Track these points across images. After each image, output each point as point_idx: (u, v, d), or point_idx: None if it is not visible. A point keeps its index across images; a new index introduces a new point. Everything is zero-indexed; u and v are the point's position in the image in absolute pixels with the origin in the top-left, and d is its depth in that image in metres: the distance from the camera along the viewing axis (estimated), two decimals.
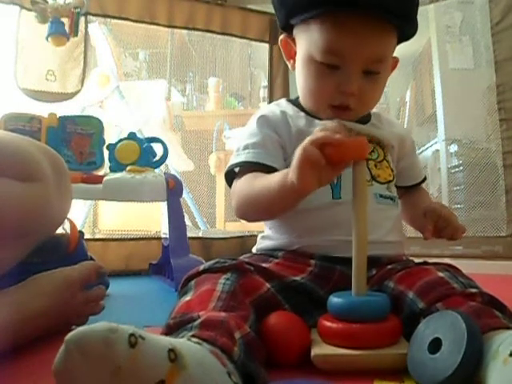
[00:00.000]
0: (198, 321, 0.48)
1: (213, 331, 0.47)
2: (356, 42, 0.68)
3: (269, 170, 0.71)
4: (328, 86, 0.72)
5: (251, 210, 0.72)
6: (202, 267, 0.63)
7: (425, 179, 0.90)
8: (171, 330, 0.50)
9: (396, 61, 0.80)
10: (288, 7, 0.74)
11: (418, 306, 0.58)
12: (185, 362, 0.39)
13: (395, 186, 0.81)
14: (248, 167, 0.73)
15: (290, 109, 0.80)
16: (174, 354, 0.38)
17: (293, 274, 0.67)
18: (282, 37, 0.80)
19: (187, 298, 0.57)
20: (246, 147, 0.75)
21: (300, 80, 0.77)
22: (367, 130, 0.78)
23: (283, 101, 0.83)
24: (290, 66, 0.80)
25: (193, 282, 0.61)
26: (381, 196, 0.75)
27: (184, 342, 0.43)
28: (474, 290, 0.57)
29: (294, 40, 0.77)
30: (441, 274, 0.61)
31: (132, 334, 0.37)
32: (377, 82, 0.73)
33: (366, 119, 0.81)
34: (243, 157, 0.74)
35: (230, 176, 0.77)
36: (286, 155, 0.75)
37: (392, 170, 0.79)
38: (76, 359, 0.35)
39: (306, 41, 0.73)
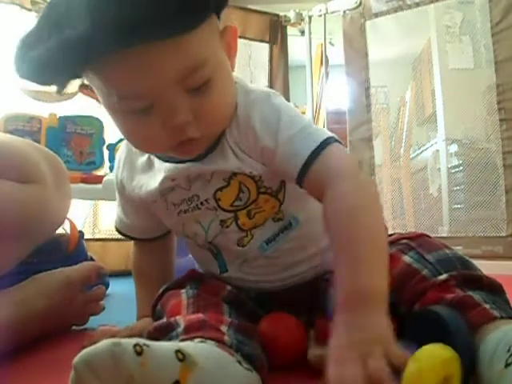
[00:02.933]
0: (181, 327, 0.49)
1: (198, 331, 0.47)
2: (147, 71, 0.48)
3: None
4: (154, 131, 0.52)
5: None
6: (161, 290, 0.63)
7: (313, 155, 0.54)
8: (152, 336, 0.50)
9: (232, 29, 0.59)
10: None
11: (399, 308, 0.55)
12: (194, 359, 0.39)
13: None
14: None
15: (135, 158, 0.66)
16: (181, 354, 0.39)
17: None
18: (78, 86, 0.58)
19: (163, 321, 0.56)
20: (118, 207, 0.74)
21: (120, 131, 0.57)
22: (216, 167, 0.58)
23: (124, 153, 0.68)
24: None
25: (159, 306, 0.61)
26: (268, 242, 0.63)
27: (188, 343, 0.43)
28: (444, 277, 0.53)
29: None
30: (407, 260, 0.57)
31: (136, 344, 0.37)
32: (212, 91, 0.52)
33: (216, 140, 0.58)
34: (116, 221, 0.75)
35: None
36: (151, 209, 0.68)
37: (276, 196, 0.61)
38: (89, 379, 0.35)
39: (98, 90, 0.53)
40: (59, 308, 0.78)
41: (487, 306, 0.48)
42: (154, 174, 0.62)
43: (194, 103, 0.51)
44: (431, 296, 0.52)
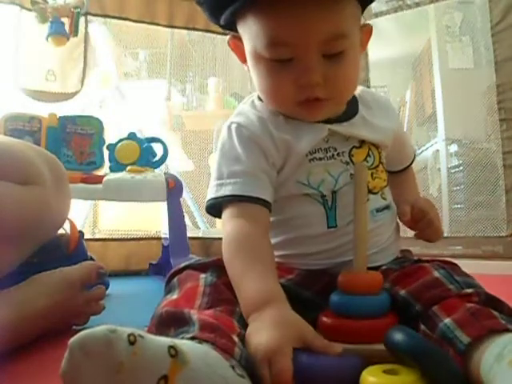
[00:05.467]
0: (196, 325, 0.48)
1: (211, 333, 0.47)
2: (301, 25, 0.58)
3: (258, 201, 0.63)
4: (285, 83, 0.61)
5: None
6: (183, 264, 0.63)
7: (414, 158, 0.84)
8: (163, 321, 0.50)
9: (369, 29, 0.68)
10: (209, 4, 0.64)
11: (414, 307, 0.57)
12: (186, 357, 0.39)
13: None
14: (236, 200, 0.64)
15: (267, 112, 0.68)
16: (174, 350, 0.39)
17: (278, 275, 0.62)
18: (228, 37, 0.69)
19: (174, 296, 0.57)
20: (233, 175, 0.64)
21: (255, 82, 0.66)
22: (360, 133, 0.69)
23: (256, 100, 0.71)
24: (246, 69, 0.68)
25: (176, 280, 0.61)
26: (377, 211, 0.70)
27: (185, 341, 0.44)
28: (470, 290, 0.55)
29: (241, 39, 0.66)
30: (436, 274, 0.59)
31: (131, 334, 0.38)
32: (344, 62, 0.61)
33: (352, 111, 0.70)
34: (229, 188, 0.64)
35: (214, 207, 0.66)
36: (276, 174, 0.67)
37: (386, 172, 0.73)
38: (80, 360, 0.37)
39: (249, 36, 0.63)
40: (59, 308, 0.78)
41: (503, 322, 0.49)
42: (301, 132, 0.67)
43: (327, 69, 0.60)
44: (452, 302, 0.54)
